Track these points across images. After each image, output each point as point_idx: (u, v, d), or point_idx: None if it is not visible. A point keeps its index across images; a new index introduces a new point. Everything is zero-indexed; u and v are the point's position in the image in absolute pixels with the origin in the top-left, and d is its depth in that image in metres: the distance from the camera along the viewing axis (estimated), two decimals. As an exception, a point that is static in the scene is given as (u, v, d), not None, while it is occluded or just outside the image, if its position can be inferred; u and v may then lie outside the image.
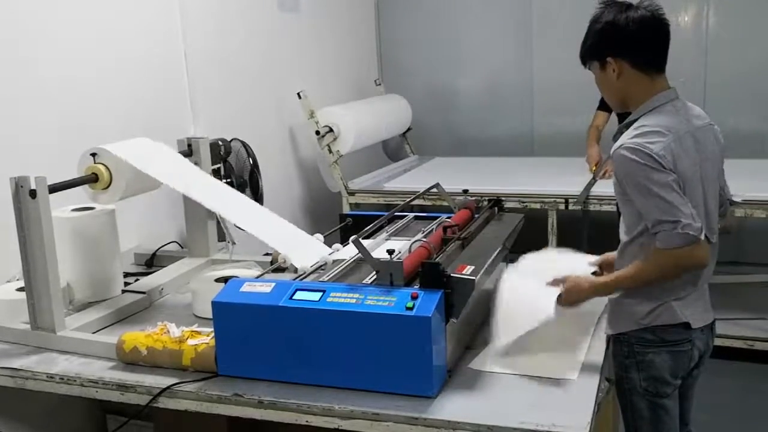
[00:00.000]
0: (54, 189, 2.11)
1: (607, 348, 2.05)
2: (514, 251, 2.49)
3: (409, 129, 5.36)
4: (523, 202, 4.03)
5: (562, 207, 3.97)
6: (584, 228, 5.15)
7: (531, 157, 5.43)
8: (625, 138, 1.93)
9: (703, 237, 1.86)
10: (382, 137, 5.11)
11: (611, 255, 2.20)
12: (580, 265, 2.20)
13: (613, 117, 4.29)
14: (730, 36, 4.97)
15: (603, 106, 4.34)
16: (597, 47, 2.02)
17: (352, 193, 4.40)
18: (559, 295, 1.99)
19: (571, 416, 1.64)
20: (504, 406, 1.70)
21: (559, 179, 4.29)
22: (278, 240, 2.23)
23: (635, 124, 1.97)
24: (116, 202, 2.40)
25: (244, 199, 2.51)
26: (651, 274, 1.93)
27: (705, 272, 2.04)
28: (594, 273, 2.17)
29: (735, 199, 2.21)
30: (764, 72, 4.89)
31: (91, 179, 2.29)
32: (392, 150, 5.52)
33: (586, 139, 4.43)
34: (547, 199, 4.01)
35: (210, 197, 2.36)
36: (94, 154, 2.30)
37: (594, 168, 4.18)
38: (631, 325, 2.02)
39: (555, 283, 2.03)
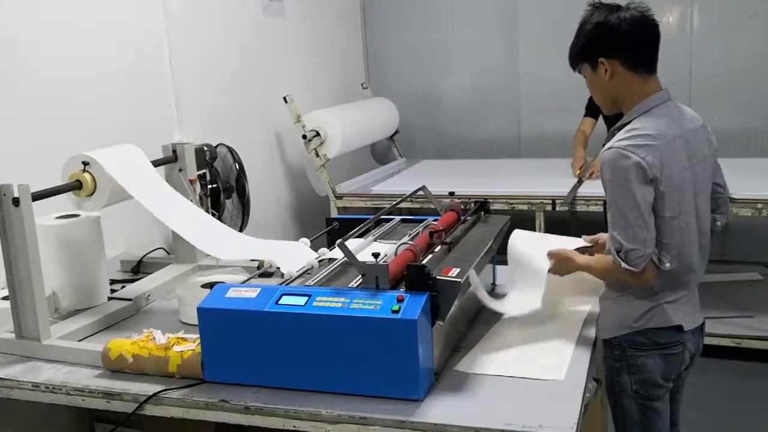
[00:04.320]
0: (37, 197, 2.09)
1: (594, 348, 2.06)
2: (500, 253, 2.50)
3: (396, 132, 5.37)
4: (511, 204, 4.03)
5: (549, 208, 3.98)
6: (571, 229, 5.18)
7: (518, 158, 5.45)
8: (615, 140, 1.94)
9: (640, 268, 1.90)
10: (369, 141, 5.12)
11: (604, 236, 2.23)
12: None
13: (600, 123, 4.34)
14: (714, 37, 5.01)
15: (590, 112, 4.38)
16: (588, 48, 2.02)
17: (339, 197, 4.39)
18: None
19: (557, 417, 1.63)
20: (491, 407, 1.70)
21: (546, 180, 4.31)
22: (262, 251, 2.23)
23: (627, 127, 1.97)
24: (101, 209, 2.39)
25: (219, 225, 2.49)
26: (603, 276, 2.08)
27: (696, 274, 2.05)
28: (582, 249, 2.26)
29: (733, 196, 2.23)
30: (748, 72, 4.93)
31: (75, 186, 2.27)
32: (380, 153, 5.53)
33: (572, 143, 4.45)
34: (534, 201, 4.02)
35: (186, 227, 2.35)
36: (86, 163, 2.29)
37: (578, 172, 4.21)
38: (623, 328, 2.03)
39: (547, 256, 2.12)
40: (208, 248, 2.26)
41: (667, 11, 5.02)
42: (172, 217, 2.35)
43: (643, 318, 2.00)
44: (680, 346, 2.03)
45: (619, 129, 2.00)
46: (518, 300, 2.15)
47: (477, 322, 2.20)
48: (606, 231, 2.10)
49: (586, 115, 4.40)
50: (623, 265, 1.89)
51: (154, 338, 1.97)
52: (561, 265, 2.11)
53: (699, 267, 2.05)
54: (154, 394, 1.85)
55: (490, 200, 2.69)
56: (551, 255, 2.13)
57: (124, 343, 1.98)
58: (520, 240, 2.29)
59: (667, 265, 1.93)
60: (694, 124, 2.04)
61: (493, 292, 2.48)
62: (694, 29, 5.04)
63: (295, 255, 2.19)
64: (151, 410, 1.88)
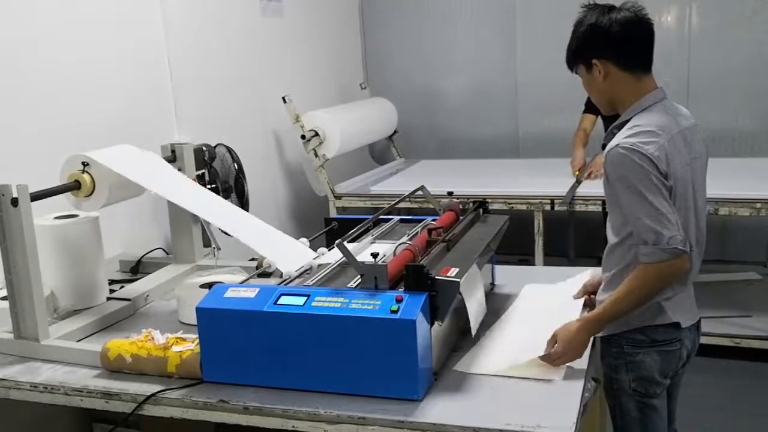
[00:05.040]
0: (36, 197, 2.09)
1: (593, 348, 2.06)
2: (499, 252, 2.50)
3: (395, 132, 5.37)
4: (509, 204, 4.04)
5: (548, 208, 3.98)
6: (570, 228, 5.18)
7: (516, 158, 5.45)
8: (620, 138, 1.93)
9: (688, 249, 1.88)
10: (368, 141, 5.12)
11: (591, 280, 2.23)
12: (568, 306, 2.17)
13: (600, 121, 4.33)
14: (712, 36, 5.01)
15: (589, 109, 4.36)
16: (581, 50, 2.03)
17: (338, 197, 4.40)
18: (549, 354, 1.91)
19: (556, 417, 1.64)
20: (490, 407, 1.70)
21: (544, 180, 4.31)
22: (263, 244, 2.22)
23: (628, 125, 1.97)
24: (100, 209, 2.39)
25: (228, 205, 2.50)
26: (638, 292, 1.91)
27: (693, 270, 2.05)
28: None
29: (732, 196, 2.20)
30: (747, 71, 4.93)
31: (74, 187, 2.27)
32: (378, 153, 5.53)
33: (572, 142, 4.45)
34: (533, 200, 4.02)
35: (195, 202, 2.36)
36: (86, 164, 2.28)
37: (577, 172, 4.21)
38: (622, 326, 2.02)
39: (549, 345, 1.92)
40: (228, 227, 2.24)
41: (665, 11, 5.03)
42: (188, 200, 2.34)
43: (641, 315, 2.00)
44: (678, 343, 2.03)
45: (618, 127, 2.00)
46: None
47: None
48: (603, 231, 2.10)
49: (586, 111, 4.39)
50: (680, 247, 1.84)
51: (152, 338, 1.97)
52: (571, 346, 1.90)
53: (696, 263, 2.05)
54: (153, 395, 1.85)
55: (489, 200, 2.69)
56: (553, 341, 1.93)
57: (123, 343, 1.98)
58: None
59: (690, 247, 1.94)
60: (689, 122, 2.06)
61: (492, 291, 2.48)
62: (693, 29, 5.04)
63: (293, 255, 2.19)
64: (149, 410, 1.87)
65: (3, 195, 2.01)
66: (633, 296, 1.93)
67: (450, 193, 2.60)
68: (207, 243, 2.83)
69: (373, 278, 1.79)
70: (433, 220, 2.39)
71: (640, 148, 1.87)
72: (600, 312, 1.97)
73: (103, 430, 2.58)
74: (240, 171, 3.45)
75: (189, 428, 1.97)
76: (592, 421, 2.38)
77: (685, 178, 1.95)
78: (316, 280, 1.98)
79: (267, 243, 2.25)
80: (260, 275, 2.29)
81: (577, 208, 3.97)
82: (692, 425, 2.60)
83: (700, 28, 5.02)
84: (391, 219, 2.61)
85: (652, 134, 1.90)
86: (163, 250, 3.15)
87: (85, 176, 2.28)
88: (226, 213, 2.39)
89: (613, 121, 2.06)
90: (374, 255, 1.89)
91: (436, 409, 1.70)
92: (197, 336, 1.88)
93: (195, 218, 2.71)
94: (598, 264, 2.19)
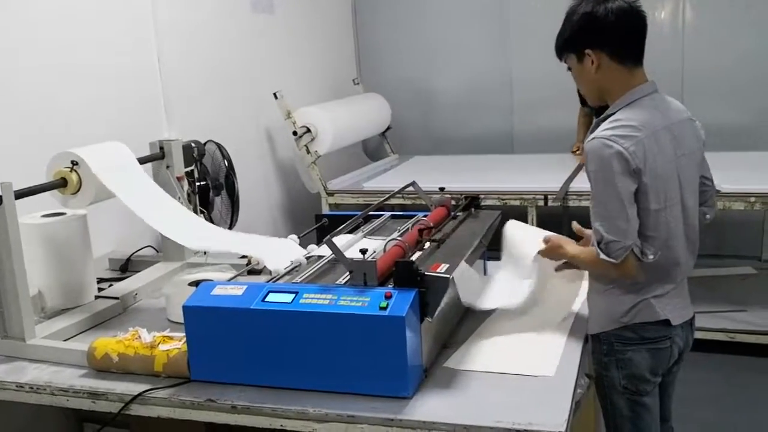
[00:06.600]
0: (21, 195, 2.07)
1: (585, 344, 2.04)
2: (491, 248, 2.48)
3: (388, 128, 5.35)
4: (503, 199, 4.02)
5: (541, 203, 3.97)
6: (564, 224, 5.17)
7: (510, 154, 5.43)
8: (599, 131, 1.92)
9: (622, 258, 1.88)
10: (361, 137, 5.10)
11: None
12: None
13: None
14: (706, 30, 5.00)
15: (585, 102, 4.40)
16: (574, 39, 1.99)
17: (331, 194, 4.37)
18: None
19: (547, 414, 1.62)
20: (480, 405, 1.68)
21: (538, 176, 4.30)
22: (249, 246, 2.21)
23: (611, 118, 1.95)
24: (89, 206, 2.36)
25: (208, 225, 2.48)
26: (587, 266, 2.07)
27: (683, 268, 2.03)
28: None
29: (719, 188, 2.19)
30: (741, 65, 4.92)
31: (59, 184, 2.25)
32: (372, 149, 5.51)
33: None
34: (526, 196, 4.01)
35: (168, 224, 2.33)
36: (75, 162, 2.25)
37: (575, 150, 4.24)
38: (611, 323, 2.01)
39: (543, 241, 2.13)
40: (192, 242, 2.23)
41: (659, 5, 5.01)
42: (153, 214, 2.32)
43: (630, 313, 1.98)
44: (668, 341, 2.01)
45: (604, 120, 1.98)
46: (504, 291, 2.13)
47: (467, 318, 2.19)
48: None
49: (582, 104, 4.44)
50: (602, 256, 1.88)
51: (139, 337, 1.95)
52: (552, 251, 2.11)
53: (686, 260, 2.03)
54: (140, 394, 1.83)
55: (483, 196, 2.67)
56: (546, 240, 2.13)
57: (110, 342, 1.95)
58: (514, 226, 2.29)
59: (651, 257, 1.92)
60: (680, 117, 2.03)
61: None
62: (686, 23, 5.03)
63: (282, 252, 2.17)
64: (137, 410, 1.85)
65: (-13, 193, 1.98)
66: (586, 268, 2.09)
67: (441, 189, 2.58)
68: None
69: (362, 275, 1.77)
70: (425, 216, 2.36)
71: (615, 141, 1.86)
72: (571, 253, 2.08)
73: (93, 430, 2.55)
74: (230, 168, 3.42)
75: (180, 427, 1.95)
76: (587, 418, 2.36)
77: (668, 175, 1.93)
78: (304, 277, 1.96)
79: (253, 244, 2.24)
80: (250, 273, 2.27)
81: (571, 203, 3.95)
82: (687, 420, 2.59)
83: (694, 22, 5.01)
84: (382, 215, 2.59)
85: (631, 128, 1.88)
86: (153, 248, 3.12)
87: (72, 173, 2.26)
88: (205, 231, 2.36)
89: (602, 114, 2.04)
90: (363, 251, 1.87)
91: (426, 406, 1.68)
92: (185, 334, 1.86)
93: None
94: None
